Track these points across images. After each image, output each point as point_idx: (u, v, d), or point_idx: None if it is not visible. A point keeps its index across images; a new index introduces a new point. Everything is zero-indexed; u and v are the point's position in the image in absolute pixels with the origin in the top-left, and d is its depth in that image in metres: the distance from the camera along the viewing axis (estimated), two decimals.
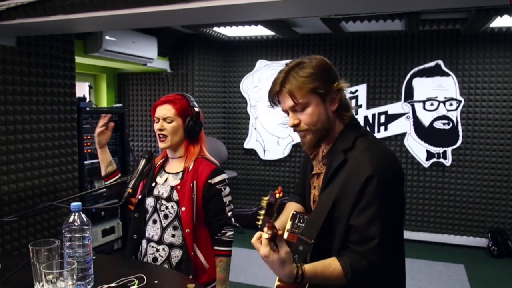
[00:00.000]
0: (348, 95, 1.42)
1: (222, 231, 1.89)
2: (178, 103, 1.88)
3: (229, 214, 1.91)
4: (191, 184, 1.85)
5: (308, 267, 1.21)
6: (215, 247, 1.89)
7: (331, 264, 1.22)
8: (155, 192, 1.91)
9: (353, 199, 1.23)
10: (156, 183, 1.93)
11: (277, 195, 1.13)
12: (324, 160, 1.38)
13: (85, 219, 1.44)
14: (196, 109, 1.94)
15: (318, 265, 1.23)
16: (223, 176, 1.91)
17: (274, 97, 1.33)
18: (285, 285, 1.27)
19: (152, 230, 1.90)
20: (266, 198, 1.13)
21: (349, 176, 1.25)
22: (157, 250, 1.88)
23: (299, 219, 1.38)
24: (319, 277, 1.22)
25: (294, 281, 1.18)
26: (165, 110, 1.87)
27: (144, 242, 1.93)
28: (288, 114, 1.34)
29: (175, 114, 1.87)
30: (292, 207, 1.54)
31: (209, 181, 1.86)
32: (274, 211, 1.12)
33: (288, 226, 1.38)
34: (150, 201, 1.91)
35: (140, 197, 1.95)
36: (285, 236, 1.36)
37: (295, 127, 1.32)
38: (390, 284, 1.35)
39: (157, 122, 1.88)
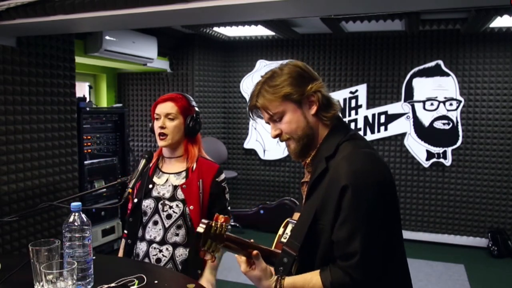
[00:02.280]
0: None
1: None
2: (180, 102, 1.89)
3: (229, 209, 1.99)
4: (198, 182, 1.86)
5: (288, 280, 1.21)
6: None
7: (312, 279, 1.20)
8: (154, 194, 1.90)
9: (333, 212, 1.18)
10: (154, 184, 1.92)
11: (213, 223, 1.17)
12: (308, 168, 1.33)
13: (85, 219, 1.43)
14: (197, 109, 1.95)
15: (298, 279, 1.21)
16: (224, 175, 1.98)
17: (254, 111, 1.33)
18: None
19: (153, 232, 1.89)
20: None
21: (328, 186, 1.20)
22: (160, 251, 1.87)
23: (289, 229, 1.36)
24: None
25: None
26: (167, 108, 1.87)
27: (143, 245, 1.91)
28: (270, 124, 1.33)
29: (177, 111, 1.87)
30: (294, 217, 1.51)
31: (216, 179, 1.92)
32: (205, 240, 1.17)
33: (280, 232, 1.38)
34: (149, 203, 1.90)
35: (136, 200, 1.92)
36: (274, 245, 1.37)
37: (278, 137, 1.30)
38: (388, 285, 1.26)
39: (158, 119, 1.88)
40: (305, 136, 1.27)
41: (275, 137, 1.31)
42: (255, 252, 1.22)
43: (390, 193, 1.22)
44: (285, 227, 1.38)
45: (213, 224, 1.17)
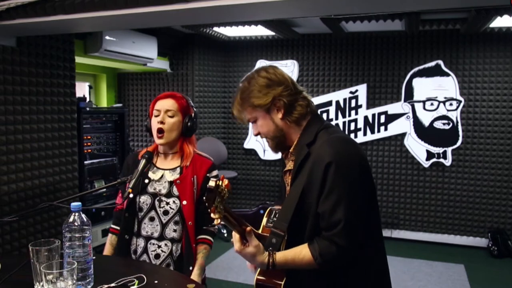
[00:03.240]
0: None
1: (212, 223, 1.90)
2: (180, 100, 1.93)
3: None
4: (192, 178, 1.88)
5: (279, 255, 1.31)
6: (201, 236, 1.93)
7: (302, 251, 1.31)
8: (150, 190, 1.91)
9: (318, 188, 1.30)
10: (150, 180, 1.92)
11: (219, 182, 1.21)
12: (292, 156, 1.45)
13: (85, 219, 1.44)
14: (195, 110, 1.99)
15: (288, 253, 1.32)
16: (217, 171, 1.99)
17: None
18: (265, 279, 1.35)
19: (150, 228, 1.90)
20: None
21: (312, 167, 1.33)
22: (159, 247, 1.89)
23: (274, 214, 1.45)
24: (290, 264, 1.31)
25: (267, 268, 1.30)
26: (168, 104, 1.89)
27: (141, 241, 1.92)
28: None
29: (177, 109, 1.90)
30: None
31: (208, 175, 1.93)
32: (214, 196, 1.19)
33: (264, 222, 1.46)
34: (145, 199, 1.90)
35: (131, 196, 1.90)
36: (260, 230, 1.43)
37: (258, 135, 1.49)
38: (367, 267, 1.37)
39: (157, 116, 1.88)
40: (276, 137, 1.45)
41: (256, 135, 1.50)
42: (248, 228, 1.30)
43: (367, 172, 1.37)
44: (269, 215, 1.47)
45: (219, 183, 1.22)
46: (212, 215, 1.22)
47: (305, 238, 1.33)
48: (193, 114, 1.95)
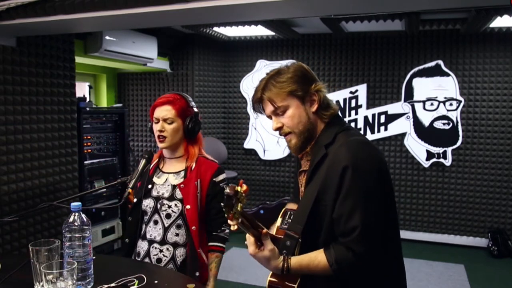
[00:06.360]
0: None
1: (222, 228, 1.92)
2: (178, 104, 1.89)
3: None
4: (196, 182, 1.87)
5: (294, 260, 1.28)
6: (212, 243, 1.92)
7: (317, 257, 1.27)
8: (154, 193, 1.91)
9: (334, 192, 1.27)
10: (154, 184, 1.92)
11: (238, 188, 1.19)
12: (308, 157, 1.43)
13: (85, 219, 1.43)
14: (195, 109, 1.95)
15: (304, 258, 1.29)
16: (225, 175, 1.96)
17: (257, 104, 1.43)
18: (277, 281, 1.32)
19: (154, 231, 1.90)
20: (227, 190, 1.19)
21: (329, 169, 1.30)
22: (161, 251, 1.88)
23: (289, 215, 1.42)
24: (305, 270, 1.28)
25: (281, 273, 1.27)
26: (165, 111, 1.87)
27: (144, 244, 1.92)
28: (271, 119, 1.42)
29: (175, 115, 1.87)
30: (290, 207, 1.55)
31: (214, 179, 1.91)
32: (233, 203, 1.17)
33: (279, 223, 1.44)
34: (148, 203, 1.90)
35: (135, 200, 1.93)
36: (274, 232, 1.40)
37: (279, 130, 1.40)
38: (384, 274, 1.34)
39: (157, 123, 1.88)
40: (306, 130, 1.38)
41: (276, 129, 1.41)
42: (265, 231, 1.27)
43: (385, 178, 1.32)
44: (284, 216, 1.43)
45: (238, 189, 1.19)
46: (229, 221, 1.19)
47: (320, 242, 1.31)
48: (193, 115, 1.91)
